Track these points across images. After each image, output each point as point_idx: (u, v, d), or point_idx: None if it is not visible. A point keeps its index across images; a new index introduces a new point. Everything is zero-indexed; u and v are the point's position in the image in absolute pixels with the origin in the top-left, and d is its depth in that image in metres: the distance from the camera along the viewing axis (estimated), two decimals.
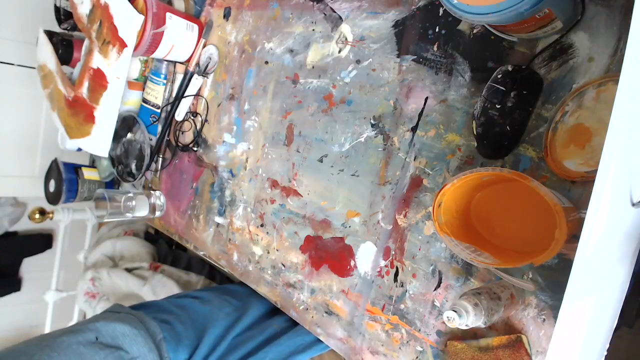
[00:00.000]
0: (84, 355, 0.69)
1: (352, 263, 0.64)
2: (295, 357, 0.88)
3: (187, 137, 0.91)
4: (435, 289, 0.55)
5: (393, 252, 0.60)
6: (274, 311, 0.94)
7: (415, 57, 0.58)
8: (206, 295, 0.95)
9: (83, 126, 0.93)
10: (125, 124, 0.97)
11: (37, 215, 1.41)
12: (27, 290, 2.03)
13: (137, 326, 0.76)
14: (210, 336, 0.83)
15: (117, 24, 0.81)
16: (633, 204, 0.32)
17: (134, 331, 0.75)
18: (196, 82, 0.87)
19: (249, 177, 0.79)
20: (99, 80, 0.87)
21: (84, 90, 0.90)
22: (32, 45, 1.10)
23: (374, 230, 0.62)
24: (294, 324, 0.92)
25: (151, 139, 0.95)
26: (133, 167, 0.98)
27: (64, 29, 1.12)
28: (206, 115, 0.88)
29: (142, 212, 0.94)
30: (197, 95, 0.89)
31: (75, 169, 1.12)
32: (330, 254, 0.67)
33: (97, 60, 0.86)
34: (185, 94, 0.89)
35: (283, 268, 0.73)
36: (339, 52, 0.66)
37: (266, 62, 0.77)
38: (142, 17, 0.79)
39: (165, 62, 0.90)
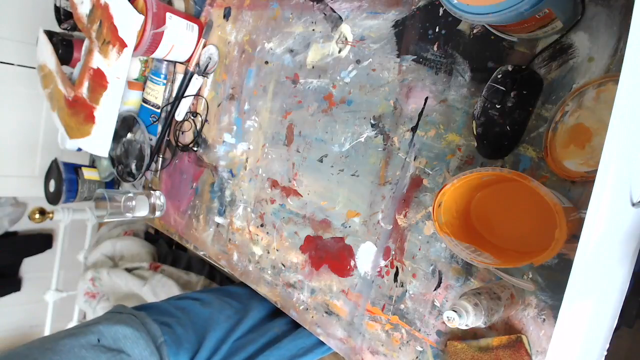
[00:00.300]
0: (86, 358, 0.68)
1: (352, 263, 0.64)
2: None
3: (187, 137, 0.91)
4: (435, 289, 0.55)
5: (393, 252, 0.60)
6: (275, 314, 0.94)
7: (415, 57, 0.58)
8: (206, 297, 0.94)
9: (83, 126, 0.93)
10: (125, 124, 0.97)
11: (37, 215, 1.41)
12: (27, 290, 2.03)
13: (139, 329, 0.76)
14: (210, 340, 0.83)
15: (117, 24, 0.81)
16: (633, 204, 0.32)
17: (136, 334, 0.75)
18: (196, 82, 0.87)
19: (249, 177, 0.79)
20: (99, 80, 0.87)
21: (84, 90, 0.90)
22: (32, 45, 1.10)
23: (374, 230, 0.62)
24: (295, 326, 0.92)
25: (151, 139, 0.95)
26: (133, 167, 0.98)
27: (64, 29, 1.12)
28: (206, 115, 0.88)
29: (142, 212, 0.94)
30: (197, 95, 0.89)
31: (75, 169, 1.12)
32: (330, 254, 0.67)
33: (97, 60, 0.86)
34: (185, 94, 0.89)
35: (283, 268, 0.73)
36: (339, 52, 0.66)
37: (266, 62, 0.77)
38: (142, 17, 0.79)
39: (165, 62, 0.90)
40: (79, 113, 0.93)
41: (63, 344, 0.69)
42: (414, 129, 0.58)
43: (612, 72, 0.43)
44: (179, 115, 0.90)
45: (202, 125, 0.88)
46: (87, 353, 0.69)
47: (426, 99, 0.57)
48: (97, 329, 0.73)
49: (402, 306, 0.58)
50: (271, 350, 0.86)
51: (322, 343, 0.68)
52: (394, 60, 0.60)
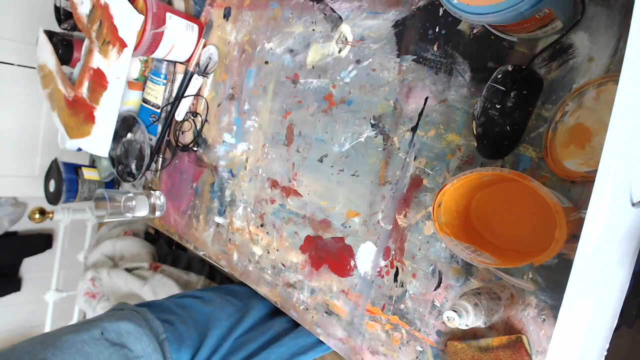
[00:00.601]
0: (89, 354, 0.68)
1: (352, 263, 0.64)
2: (297, 359, 0.88)
3: (187, 137, 0.91)
4: (435, 289, 0.55)
5: (393, 252, 0.60)
6: (276, 312, 0.94)
7: (415, 57, 0.58)
8: (208, 295, 0.94)
9: (83, 126, 0.93)
10: (125, 124, 0.97)
11: (37, 215, 1.41)
12: (27, 290, 2.03)
13: (142, 325, 0.76)
14: (212, 337, 0.83)
15: (117, 24, 0.81)
16: (633, 204, 0.32)
17: (139, 330, 0.75)
18: (196, 82, 0.87)
19: (249, 177, 0.79)
20: (99, 80, 0.87)
21: (84, 90, 0.90)
22: (32, 45, 1.10)
23: (374, 230, 0.62)
24: (295, 325, 0.92)
25: (151, 139, 0.95)
26: (133, 167, 0.98)
27: (64, 29, 1.12)
28: (206, 115, 0.88)
29: (142, 212, 0.94)
30: (197, 95, 0.89)
31: (75, 169, 1.12)
32: (330, 254, 0.67)
33: (97, 60, 0.86)
34: (185, 94, 0.89)
35: (283, 268, 0.73)
36: (339, 52, 0.66)
37: (266, 62, 0.77)
38: (142, 17, 0.79)
39: (165, 62, 0.90)
40: (79, 113, 0.93)
41: (65, 340, 0.69)
42: (414, 129, 0.58)
43: (612, 72, 0.43)
44: (179, 115, 0.90)
45: (202, 125, 0.88)
46: (90, 348, 0.69)
47: (426, 99, 0.57)
48: (100, 325, 0.73)
49: (402, 306, 0.58)
50: (272, 348, 0.86)
51: (322, 341, 0.68)
52: (394, 60, 0.60)
